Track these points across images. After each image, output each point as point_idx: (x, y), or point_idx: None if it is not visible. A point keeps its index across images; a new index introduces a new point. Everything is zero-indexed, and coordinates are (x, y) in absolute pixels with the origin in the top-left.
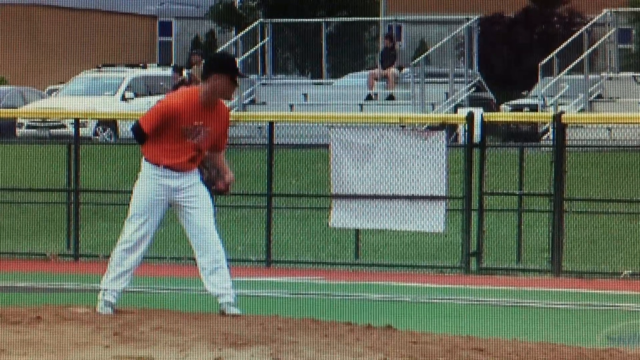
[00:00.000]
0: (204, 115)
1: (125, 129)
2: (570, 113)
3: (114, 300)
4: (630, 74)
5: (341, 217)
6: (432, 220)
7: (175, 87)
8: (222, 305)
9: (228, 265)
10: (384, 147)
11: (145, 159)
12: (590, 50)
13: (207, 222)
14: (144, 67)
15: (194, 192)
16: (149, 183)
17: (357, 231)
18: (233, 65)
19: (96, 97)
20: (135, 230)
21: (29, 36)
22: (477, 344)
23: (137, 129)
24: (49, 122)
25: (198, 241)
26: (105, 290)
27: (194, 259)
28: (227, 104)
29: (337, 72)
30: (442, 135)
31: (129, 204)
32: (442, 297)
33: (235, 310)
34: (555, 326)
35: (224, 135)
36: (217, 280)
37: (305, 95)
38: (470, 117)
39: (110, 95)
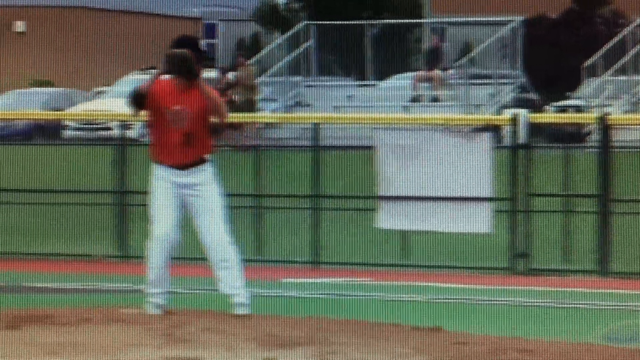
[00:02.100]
0: (182, 99)
1: None
2: (615, 114)
3: (162, 301)
4: None
5: (387, 218)
6: (478, 221)
7: (222, 90)
8: (233, 304)
9: (241, 265)
10: (429, 149)
11: (153, 159)
12: (634, 51)
13: (214, 221)
14: None
15: (202, 191)
16: (159, 182)
17: (404, 232)
18: (188, 42)
19: None
20: (155, 229)
21: (75, 39)
22: (524, 346)
23: (133, 91)
24: (95, 124)
25: (207, 240)
26: (150, 292)
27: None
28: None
29: (382, 73)
30: (487, 136)
31: None
32: (489, 299)
33: (243, 311)
34: (603, 327)
35: (211, 105)
36: (227, 279)
37: (349, 96)
38: (515, 119)
39: None
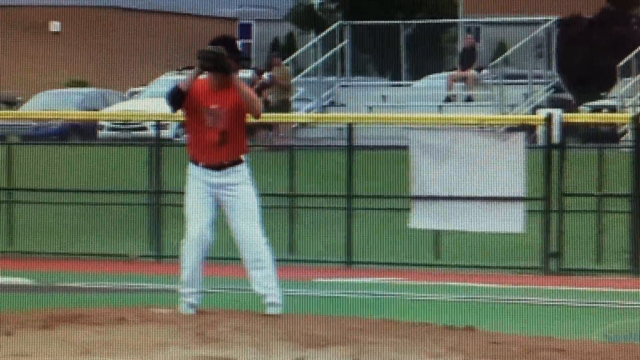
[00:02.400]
0: (219, 98)
1: None
2: None
3: (195, 301)
4: None
5: (421, 218)
6: (511, 221)
7: (258, 90)
8: (265, 304)
9: (274, 265)
10: (463, 149)
11: (189, 158)
12: None
13: (249, 222)
14: None
15: (237, 191)
16: (193, 182)
17: (437, 232)
18: (225, 42)
19: None
20: (189, 229)
21: (111, 39)
22: (556, 345)
23: (172, 89)
24: (130, 124)
25: (241, 240)
26: (184, 292)
27: (274, 260)
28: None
29: (416, 73)
30: (521, 136)
31: None
32: (521, 298)
33: (275, 311)
34: (636, 327)
35: (246, 101)
36: (260, 279)
37: (384, 96)
38: (549, 118)
39: None
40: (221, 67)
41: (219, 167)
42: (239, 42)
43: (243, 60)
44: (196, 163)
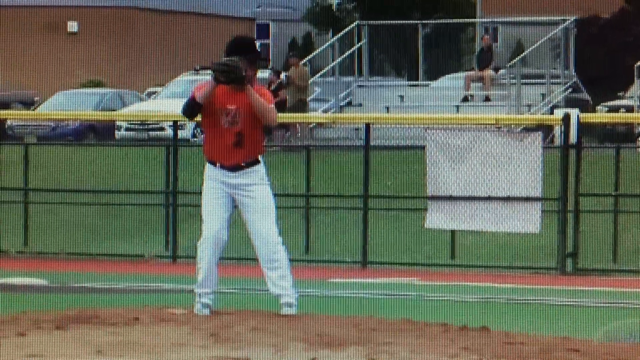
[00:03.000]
0: (236, 99)
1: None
2: None
3: (209, 301)
4: None
5: (437, 218)
6: (527, 221)
7: (274, 90)
8: (280, 305)
9: (289, 266)
10: (480, 149)
11: (206, 158)
12: None
13: (264, 222)
14: None
15: (253, 192)
16: (210, 183)
17: (453, 232)
18: (244, 46)
19: None
20: (206, 229)
21: (128, 39)
22: (572, 345)
23: (188, 100)
24: (147, 124)
25: (256, 241)
26: (199, 293)
27: (290, 261)
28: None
29: (433, 73)
30: (538, 136)
31: None
32: (537, 298)
33: (290, 311)
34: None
35: (258, 112)
36: (275, 279)
37: (401, 96)
38: (566, 118)
39: None
40: (236, 80)
41: (235, 168)
42: (257, 43)
43: (261, 60)
44: (213, 164)
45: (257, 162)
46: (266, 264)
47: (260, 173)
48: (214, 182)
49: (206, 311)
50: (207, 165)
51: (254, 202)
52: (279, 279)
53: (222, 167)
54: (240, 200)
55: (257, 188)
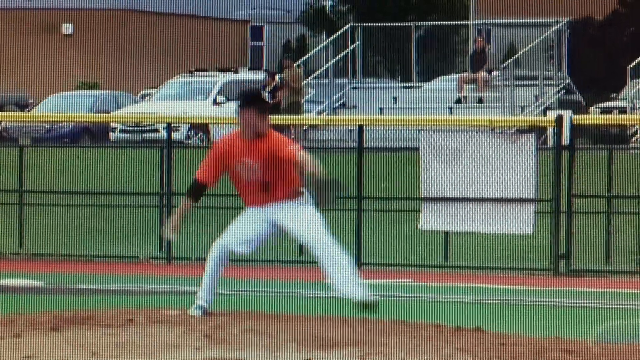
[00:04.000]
0: (250, 151)
1: (216, 132)
2: None
3: (206, 305)
4: None
5: (430, 219)
6: (521, 222)
7: (271, 92)
8: (355, 305)
9: (354, 267)
10: (474, 150)
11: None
12: None
13: (316, 232)
14: (236, 71)
15: (297, 212)
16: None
17: (447, 233)
18: (255, 98)
19: (188, 101)
20: (221, 238)
21: (122, 41)
22: (565, 346)
23: (192, 183)
24: (141, 126)
25: (315, 254)
26: (198, 295)
27: (284, 262)
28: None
29: (427, 75)
30: (531, 138)
31: (221, 208)
32: (530, 299)
33: (369, 312)
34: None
35: (282, 155)
36: (339, 283)
37: (395, 98)
38: (559, 120)
39: (202, 99)
40: (331, 199)
41: (266, 207)
42: (265, 93)
43: (272, 108)
44: (248, 205)
45: (298, 194)
46: (328, 270)
47: (302, 200)
48: (255, 211)
49: (199, 313)
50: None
51: (299, 218)
52: (345, 282)
53: (260, 206)
54: (285, 225)
55: (300, 208)
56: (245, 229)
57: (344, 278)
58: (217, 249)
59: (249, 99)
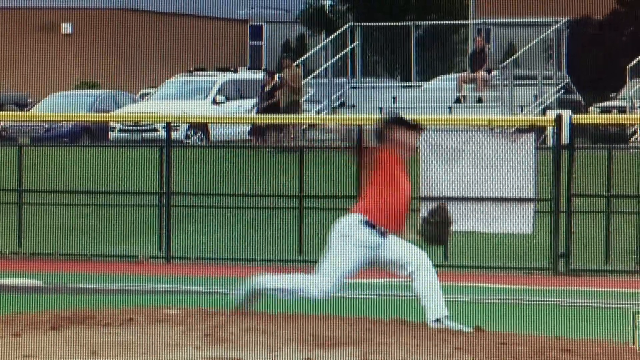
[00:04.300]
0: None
1: (215, 132)
2: None
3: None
4: None
5: None
6: (520, 221)
7: (269, 92)
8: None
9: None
10: (473, 150)
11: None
12: None
13: (403, 248)
14: (235, 71)
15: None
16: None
17: None
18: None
19: (187, 101)
20: (326, 281)
21: (122, 41)
22: (565, 345)
23: None
24: (141, 125)
25: (408, 267)
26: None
27: (283, 261)
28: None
29: (426, 75)
30: (530, 137)
31: (220, 207)
32: (530, 298)
33: (443, 324)
34: None
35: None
36: (425, 299)
37: (394, 98)
38: (558, 119)
39: (202, 99)
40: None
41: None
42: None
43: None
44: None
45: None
46: (414, 282)
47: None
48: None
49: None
50: (364, 229)
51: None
52: (429, 298)
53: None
54: (378, 253)
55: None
56: (347, 271)
57: (423, 294)
58: (315, 291)
59: (414, 123)
